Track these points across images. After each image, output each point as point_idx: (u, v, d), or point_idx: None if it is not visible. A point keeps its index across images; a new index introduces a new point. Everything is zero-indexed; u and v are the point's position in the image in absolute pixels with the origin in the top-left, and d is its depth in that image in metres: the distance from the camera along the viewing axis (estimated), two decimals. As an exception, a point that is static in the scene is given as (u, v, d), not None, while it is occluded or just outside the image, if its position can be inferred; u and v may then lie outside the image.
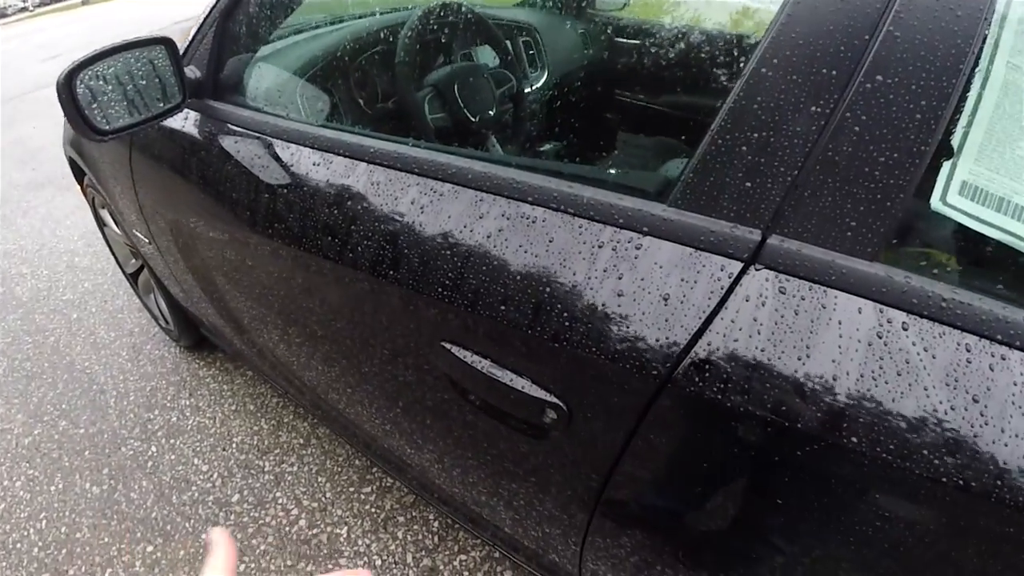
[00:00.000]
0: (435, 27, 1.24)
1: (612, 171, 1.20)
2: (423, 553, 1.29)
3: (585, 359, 0.55)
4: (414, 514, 1.37)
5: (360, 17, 1.49)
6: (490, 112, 1.30)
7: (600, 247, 0.55)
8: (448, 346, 0.68)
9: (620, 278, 0.53)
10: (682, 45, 2.05)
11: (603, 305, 0.54)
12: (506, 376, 0.63)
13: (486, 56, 1.48)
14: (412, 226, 0.70)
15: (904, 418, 0.39)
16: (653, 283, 0.51)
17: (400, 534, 1.33)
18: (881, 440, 0.40)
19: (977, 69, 0.42)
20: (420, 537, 1.32)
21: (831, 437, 0.42)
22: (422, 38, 1.21)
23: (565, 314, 0.56)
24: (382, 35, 1.32)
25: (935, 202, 0.43)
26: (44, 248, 2.74)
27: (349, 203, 0.77)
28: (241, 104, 1.05)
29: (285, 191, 0.86)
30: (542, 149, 1.56)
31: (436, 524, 1.34)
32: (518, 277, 0.59)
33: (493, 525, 0.95)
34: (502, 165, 0.67)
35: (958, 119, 0.42)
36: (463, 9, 1.37)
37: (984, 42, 0.42)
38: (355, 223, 0.76)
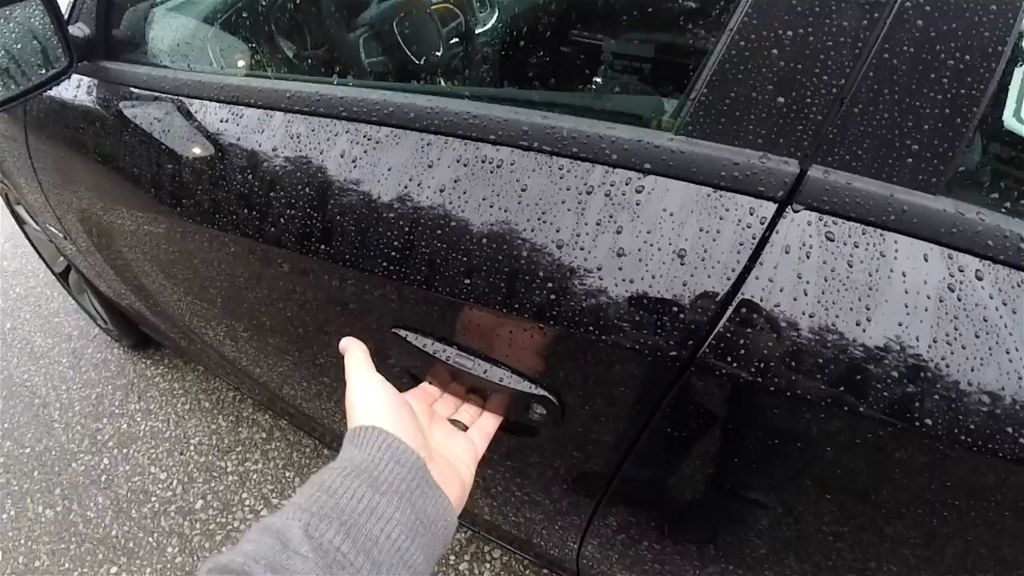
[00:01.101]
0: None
1: (598, 96, 1.02)
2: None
3: (580, 341, 0.45)
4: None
5: None
6: (436, 53, 1.17)
7: (589, 193, 0.44)
8: (402, 333, 0.55)
9: (619, 232, 0.42)
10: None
11: (599, 270, 0.42)
12: (478, 367, 0.50)
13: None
14: (343, 186, 0.56)
15: (986, 391, 0.32)
16: (663, 236, 0.41)
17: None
18: (960, 420, 0.32)
19: None
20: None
21: (900, 420, 0.34)
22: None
23: (550, 285, 0.44)
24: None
25: (1009, 119, 0.35)
26: (-33, 255, 2.52)
27: (264, 164, 0.62)
28: (140, 63, 0.90)
29: (192, 158, 0.71)
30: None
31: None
32: (484, 240, 0.47)
33: (473, 514, 0.86)
34: (454, 98, 0.53)
35: None
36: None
37: None
38: (274, 189, 0.61)
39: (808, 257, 0.36)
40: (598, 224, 0.43)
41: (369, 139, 0.55)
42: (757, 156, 0.39)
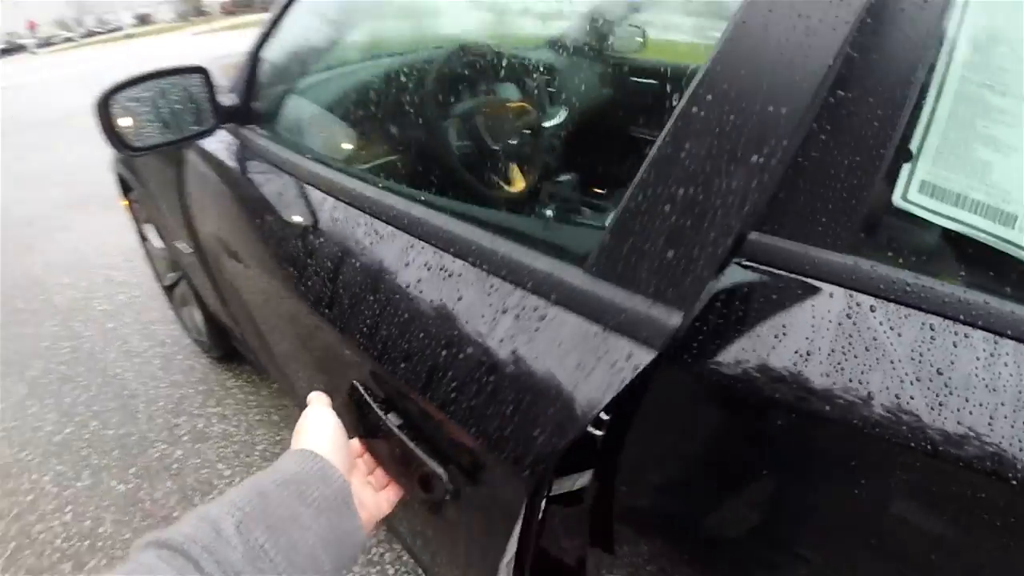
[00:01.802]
0: (463, 63, 1.35)
1: (547, 224, 1.15)
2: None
3: (466, 438, 0.52)
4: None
5: (392, 56, 1.62)
6: (511, 142, 1.41)
7: (504, 312, 0.51)
8: (359, 387, 0.66)
9: (514, 351, 0.48)
10: (688, 83, 2.16)
11: (491, 380, 0.49)
12: (405, 435, 0.58)
13: (508, 92, 1.59)
14: (354, 265, 0.69)
15: (872, 388, 0.43)
16: (548, 363, 0.46)
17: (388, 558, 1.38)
18: (852, 408, 0.43)
19: (932, 83, 0.46)
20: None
21: (806, 409, 0.44)
22: (451, 72, 1.33)
23: (453, 383, 0.52)
24: (412, 72, 1.44)
25: (897, 199, 0.47)
26: (83, 261, 2.89)
27: (311, 236, 0.81)
28: (269, 132, 1.15)
29: (289, 230, 0.91)
30: (560, 180, 1.65)
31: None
32: (422, 334, 0.57)
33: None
34: (436, 211, 0.64)
35: (916, 127, 0.46)
36: (488, 48, 1.49)
37: (937, 60, 0.46)
38: (312, 256, 0.78)
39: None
40: (501, 341, 0.50)
41: (377, 233, 0.69)
42: (645, 303, 0.45)
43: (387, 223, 0.67)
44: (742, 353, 0.47)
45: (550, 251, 0.53)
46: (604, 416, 0.72)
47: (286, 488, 0.39)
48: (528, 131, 1.52)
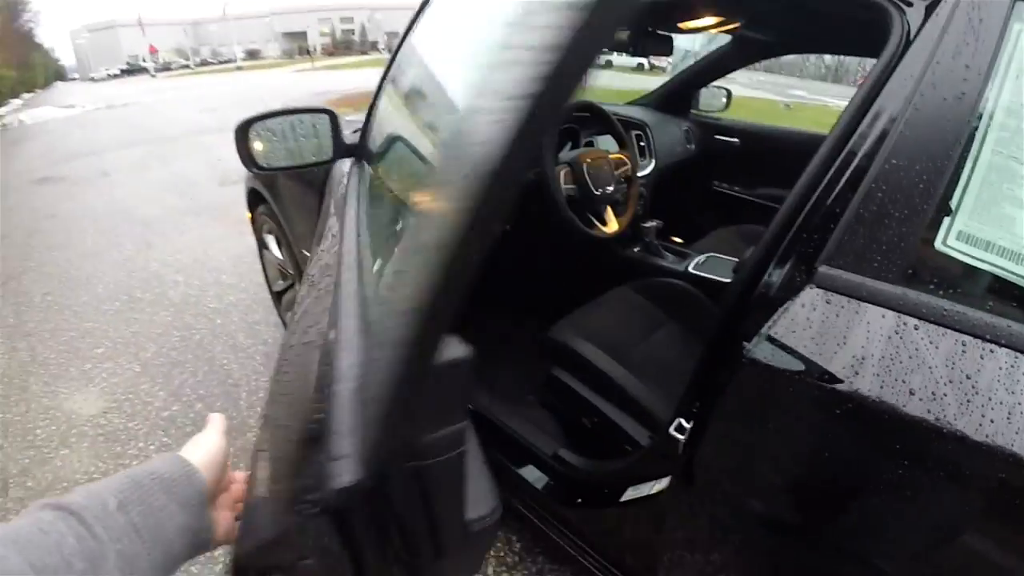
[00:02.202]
0: (572, 116, 1.51)
1: None
2: (503, 568, 1.43)
3: None
4: (498, 533, 1.51)
5: None
6: (609, 188, 1.54)
7: None
8: None
9: None
10: (775, 144, 2.27)
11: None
12: None
13: (607, 144, 1.74)
14: None
15: (913, 387, 0.56)
16: None
17: (482, 549, 1.48)
18: (897, 401, 0.56)
19: (969, 154, 0.59)
20: (502, 555, 1.46)
21: (857, 398, 0.59)
22: (562, 125, 1.49)
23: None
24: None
25: (939, 244, 0.60)
26: (196, 263, 3.22)
27: None
28: (372, 171, 1.27)
29: None
30: (645, 226, 1.77)
31: (518, 546, 1.48)
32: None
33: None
34: None
35: (955, 187, 0.59)
36: (592, 105, 1.65)
37: (974, 135, 0.59)
38: None
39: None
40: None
41: None
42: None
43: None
44: (811, 357, 0.61)
45: None
46: (685, 423, 0.82)
47: (159, 483, 0.44)
48: (624, 180, 1.65)
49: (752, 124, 2.41)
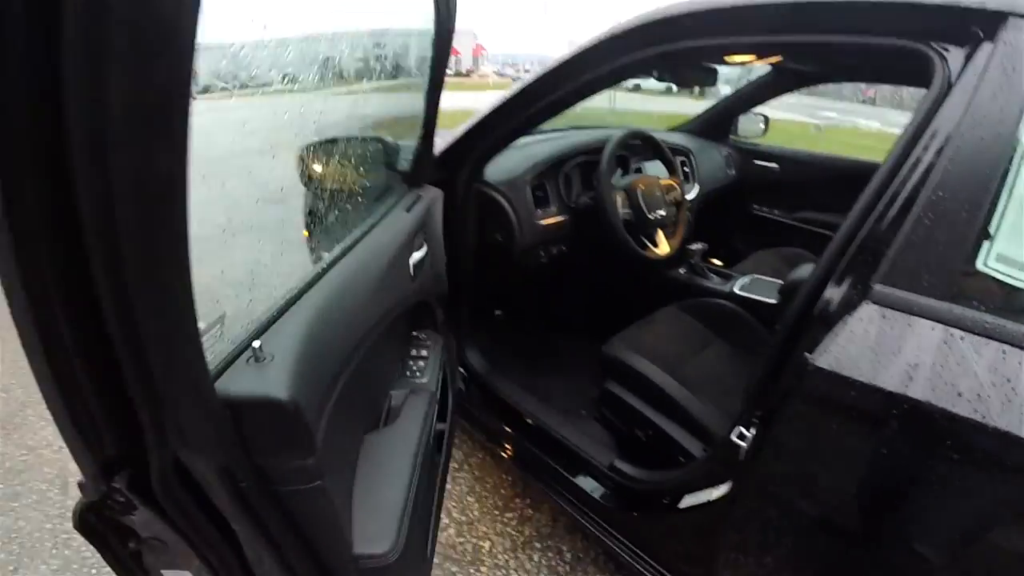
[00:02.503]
0: (628, 145, 1.60)
1: None
2: (557, 578, 1.48)
3: None
4: (549, 543, 1.57)
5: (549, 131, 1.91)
6: (660, 213, 1.62)
7: None
8: None
9: None
10: (815, 169, 2.33)
11: None
12: None
13: (655, 170, 1.82)
14: None
15: (961, 390, 0.63)
16: None
17: (536, 557, 1.53)
18: (945, 399, 0.63)
19: (1005, 186, 0.68)
20: (553, 564, 1.51)
21: (912, 400, 0.66)
22: (617, 153, 1.58)
23: None
24: (585, 149, 1.71)
25: (980, 265, 0.68)
26: (244, 280, 3.35)
27: None
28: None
29: None
30: (691, 248, 1.84)
31: (568, 556, 1.53)
32: None
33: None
34: None
35: (993, 215, 0.68)
36: (644, 134, 1.74)
37: (1009, 169, 0.67)
38: None
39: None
40: None
41: None
42: None
43: None
44: (869, 365, 0.69)
45: None
46: (746, 432, 0.89)
47: None
48: (674, 205, 1.73)
49: (791, 150, 2.48)
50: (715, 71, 1.91)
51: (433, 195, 1.28)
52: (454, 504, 1.69)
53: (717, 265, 1.98)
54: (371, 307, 0.87)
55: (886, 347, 0.68)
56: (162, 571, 0.59)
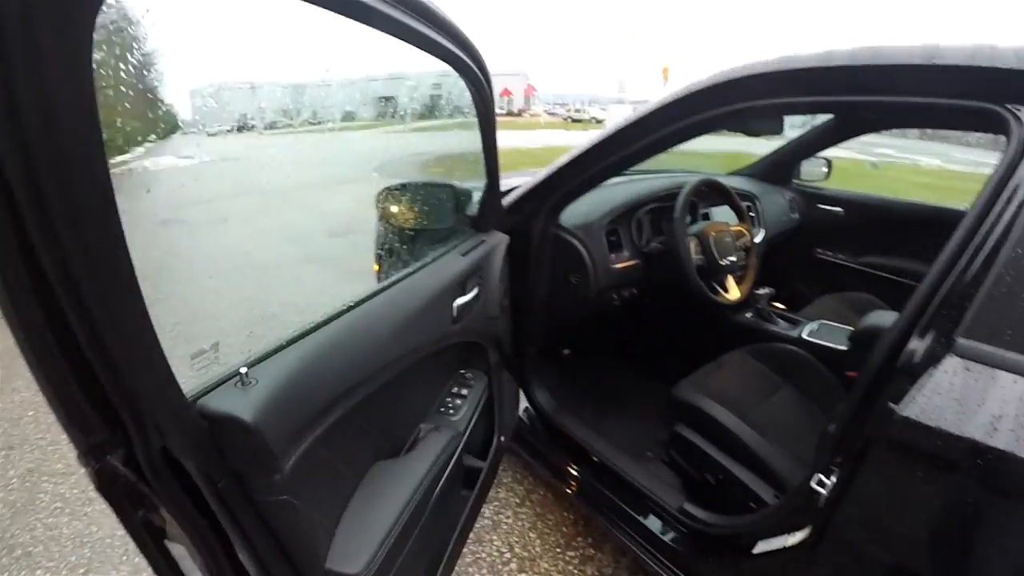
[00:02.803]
0: (697, 192, 1.65)
1: None
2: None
3: None
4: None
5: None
6: (731, 258, 1.65)
7: None
8: None
9: None
10: (881, 213, 2.31)
11: None
12: None
13: (723, 215, 1.86)
14: None
15: None
16: None
17: (599, 598, 1.54)
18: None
19: None
20: (618, 605, 1.51)
21: (996, 451, 0.67)
22: (688, 200, 1.63)
23: None
24: (656, 195, 1.76)
25: None
26: (310, 307, 3.50)
27: None
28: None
29: None
30: (758, 293, 1.85)
31: (632, 597, 1.53)
32: None
33: None
34: None
35: None
36: (717, 183, 1.79)
37: None
38: None
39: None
40: None
41: None
42: None
43: None
44: (954, 416, 0.71)
45: None
46: (826, 479, 0.90)
47: None
48: (744, 250, 1.75)
49: (857, 194, 2.47)
50: (782, 121, 1.95)
51: (496, 241, 1.34)
52: (516, 539, 1.72)
53: (781, 309, 1.98)
54: (393, 345, 0.93)
55: (970, 399, 0.70)
56: (164, 542, 0.68)
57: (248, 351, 0.73)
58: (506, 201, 1.54)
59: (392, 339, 0.92)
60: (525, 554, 1.67)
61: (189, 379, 0.63)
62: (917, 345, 0.80)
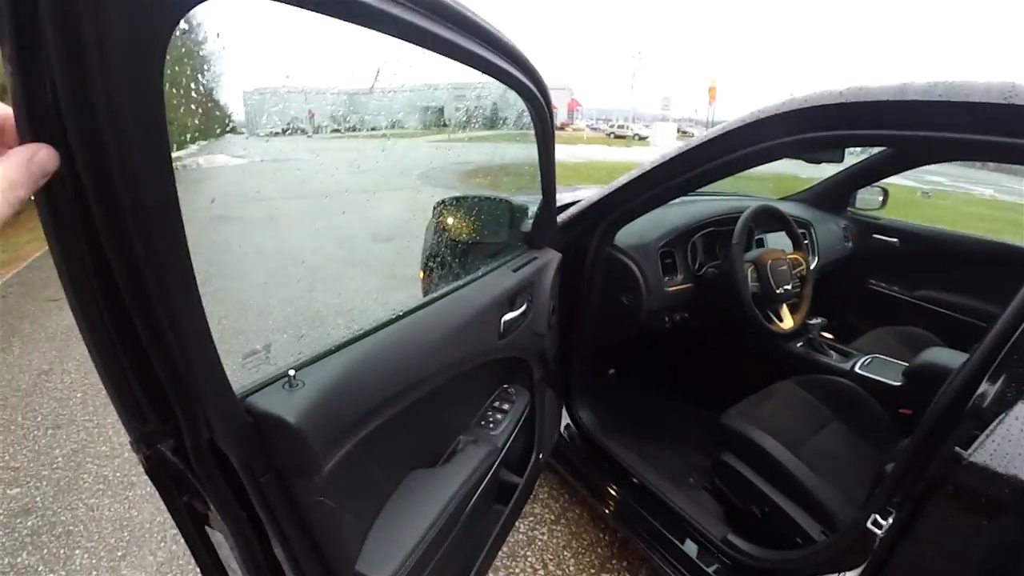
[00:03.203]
0: (757, 219, 1.63)
1: None
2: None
3: None
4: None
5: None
6: (787, 287, 1.62)
7: None
8: None
9: None
10: (938, 246, 2.23)
11: None
12: None
13: (778, 241, 1.83)
14: None
15: None
16: None
17: (633, 624, 1.51)
18: None
19: None
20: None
21: None
22: (746, 227, 1.61)
23: None
24: (713, 220, 1.75)
25: None
26: (354, 309, 3.61)
27: None
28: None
29: None
30: (811, 323, 1.81)
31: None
32: None
33: None
34: None
35: None
36: (775, 210, 1.76)
37: None
38: None
39: None
40: None
41: None
42: None
43: None
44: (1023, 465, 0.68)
45: None
46: (882, 520, 0.87)
47: None
48: (799, 279, 1.72)
49: (914, 225, 2.40)
50: (843, 150, 1.92)
51: (549, 258, 1.35)
52: (550, 557, 1.71)
53: (831, 340, 1.94)
54: (437, 357, 0.93)
55: None
56: (205, 528, 0.71)
57: (298, 353, 0.76)
58: (562, 218, 1.55)
59: (436, 351, 0.93)
60: (559, 572, 1.66)
61: (239, 376, 0.66)
62: (988, 389, 0.78)
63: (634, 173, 1.40)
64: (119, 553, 1.72)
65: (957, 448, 0.75)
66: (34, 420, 2.47)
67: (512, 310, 1.15)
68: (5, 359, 3.05)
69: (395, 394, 0.84)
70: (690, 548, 1.37)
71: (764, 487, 1.33)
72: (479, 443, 1.16)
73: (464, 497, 1.03)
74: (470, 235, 1.42)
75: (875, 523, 0.91)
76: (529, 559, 1.71)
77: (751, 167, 1.19)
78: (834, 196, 2.42)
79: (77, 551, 1.75)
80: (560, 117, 56.49)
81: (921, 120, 0.93)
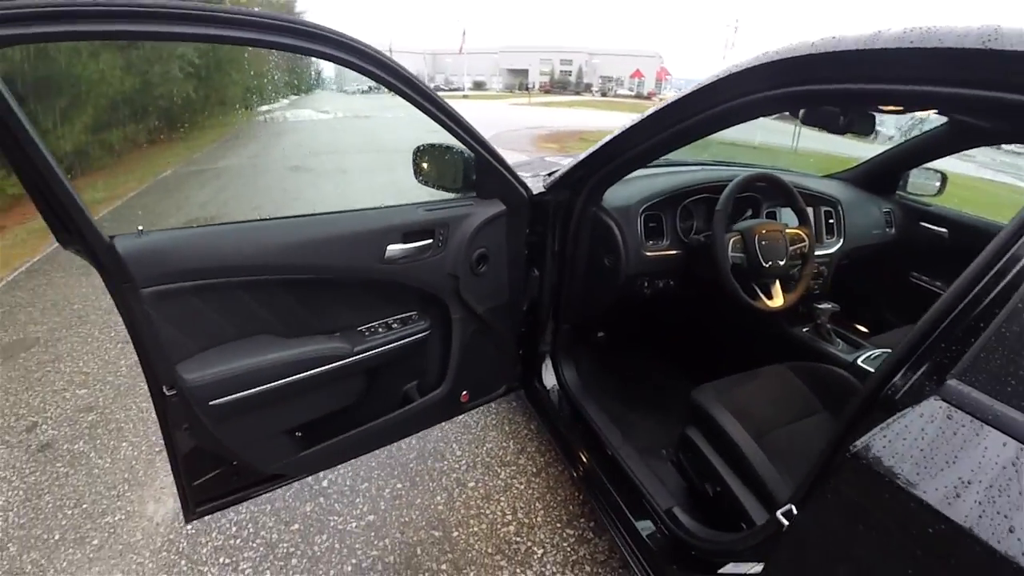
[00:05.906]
0: (754, 188, 1.54)
1: None
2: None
3: None
4: (599, 571, 1.58)
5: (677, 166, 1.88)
6: (779, 262, 1.54)
7: None
8: None
9: None
10: (985, 239, 2.00)
11: None
12: None
13: (789, 217, 1.73)
14: None
15: (1015, 524, 0.53)
16: None
17: (583, 578, 1.56)
18: (991, 532, 0.54)
19: None
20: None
21: (951, 523, 0.57)
22: (740, 193, 1.53)
23: None
24: (713, 186, 1.67)
25: None
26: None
27: None
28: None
29: None
30: (819, 307, 1.72)
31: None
32: None
33: None
34: None
35: None
36: (774, 177, 1.66)
37: None
38: None
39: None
40: None
41: None
42: None
43: None
44: (913, 468, 0.61)
45: None
46: (795, 511, 0.83)
47: None
48: (799, 257, 1.63)
49: (968, 216, 2.15)
50: (872, 119, 1.75)
51: (487, 209, 1.41)
52: (522, 505, 1.78)
53: (859, 331, 1.82)
54: (298, 254, 1.14)
55: (941, 452, 0.60)
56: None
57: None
58: (552, 177, 1.55)
59: (298, 250, 1.13)
60: (526, 520, 1.72)
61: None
62: (904, 379, 0.70)
63: (615, 132, 1.36)
64: (157, 449, 1.97)
65: (856, 443, 0.68)
66: (108, 335, 2.80)
67: (404, 243, 1.26)
68: (91, 281, 3.44)
69: (234, 266, 1.07)
70: (639, 520, 1.37)
71: (720, 467, 1.31)
72: (342, 337, 1.30)
73: (297, 363, 1.20)
74: (435, 179, 1.47)
75: (787, 514, 0.86)
76: (502, 504, 1.79)
77: (725, 125, 1.10)
78: (881, 177, 2.23)
79: (124, 444, 2.03)
80: (647, 85, 54.13)
81: (893, 72, 0.79)
